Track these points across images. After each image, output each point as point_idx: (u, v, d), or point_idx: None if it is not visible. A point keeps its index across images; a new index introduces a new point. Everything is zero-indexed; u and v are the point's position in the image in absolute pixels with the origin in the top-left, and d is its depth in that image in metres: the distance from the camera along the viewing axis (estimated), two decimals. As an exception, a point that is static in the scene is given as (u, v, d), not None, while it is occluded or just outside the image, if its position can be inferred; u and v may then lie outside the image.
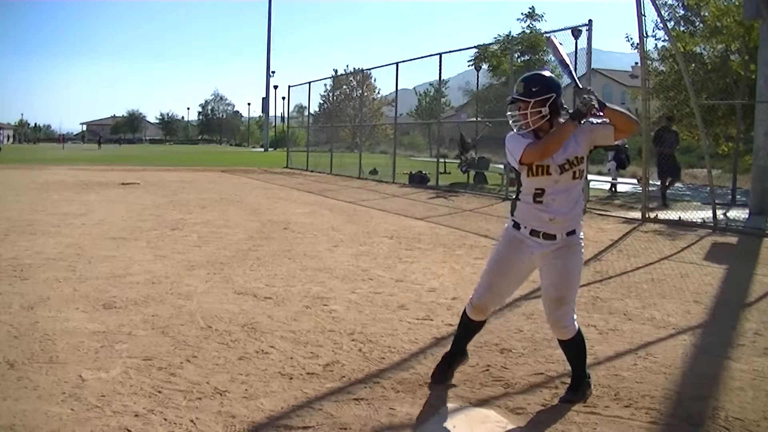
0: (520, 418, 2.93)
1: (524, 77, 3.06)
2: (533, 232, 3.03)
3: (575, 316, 3.09)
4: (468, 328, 3.30)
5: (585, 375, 3.16)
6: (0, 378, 3.25)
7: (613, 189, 15.32)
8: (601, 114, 2.91)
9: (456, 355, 3.34)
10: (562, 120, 2.99)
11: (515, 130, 3.04)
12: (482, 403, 3.09)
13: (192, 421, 2.83)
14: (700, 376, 3.49)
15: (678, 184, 10.84)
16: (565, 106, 3.04)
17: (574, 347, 3.13)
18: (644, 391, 3.22)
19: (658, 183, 12.51)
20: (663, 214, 10.16)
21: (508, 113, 3.05)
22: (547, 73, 3.09)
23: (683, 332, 4.29)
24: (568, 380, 3.22)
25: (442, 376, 3.29)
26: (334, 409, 2.97)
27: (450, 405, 3.07)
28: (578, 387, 3.11)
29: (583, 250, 3.10)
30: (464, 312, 3.29)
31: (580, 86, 2.96)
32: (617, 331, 4.26)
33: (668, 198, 12.31)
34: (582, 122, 2.94)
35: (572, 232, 3.03)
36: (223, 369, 3.46)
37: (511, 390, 3.24)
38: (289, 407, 3.00)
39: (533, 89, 2.96)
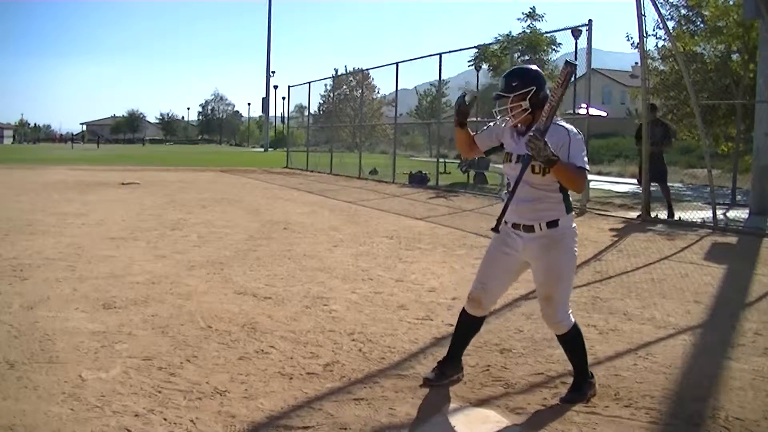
0: (520, 418, 2.93)
1: (505, 73, 3.15)
2: (514, 225, 3.09)
3: (570, 311, 3.10)
4: (464, 325, 3.30)
5: (587, 374, 3.16)
6: (0, 378, 3.25)
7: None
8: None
9: (452, 360, 3.32)
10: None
11: (503, 125, 3.16)
12: (482, 403, 3.09)
13: (192, 421, 2.83)
14: (700, 376, 3.49)
15: (678, 184, 10.42)
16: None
17: (570, 342, 3.15)
18: (644, 391, 3.22)
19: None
20: (663, 214, 10.13)
21: (494, 110, 3.18)
22: (531, 67, 3.15)
23: (683, 332, 4.29)
24: (569, 380, 3.22)
25: (436, 380, 3.27)
26: (334, 409, 2.97)
27: (450, 405, 3.07)
28: (580, 387, 3.11)
29: (574, 245, 3.08)
30: (462, 310, 3.31)
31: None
32: (617, 331, 4.26)
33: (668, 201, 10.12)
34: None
35: (554, 224, 3.01)
36: (223, 369, 3.46)
37: (511, 390, 3.24)
38: (289, 407, 3.00)
39: (513, 84, 3.03)
